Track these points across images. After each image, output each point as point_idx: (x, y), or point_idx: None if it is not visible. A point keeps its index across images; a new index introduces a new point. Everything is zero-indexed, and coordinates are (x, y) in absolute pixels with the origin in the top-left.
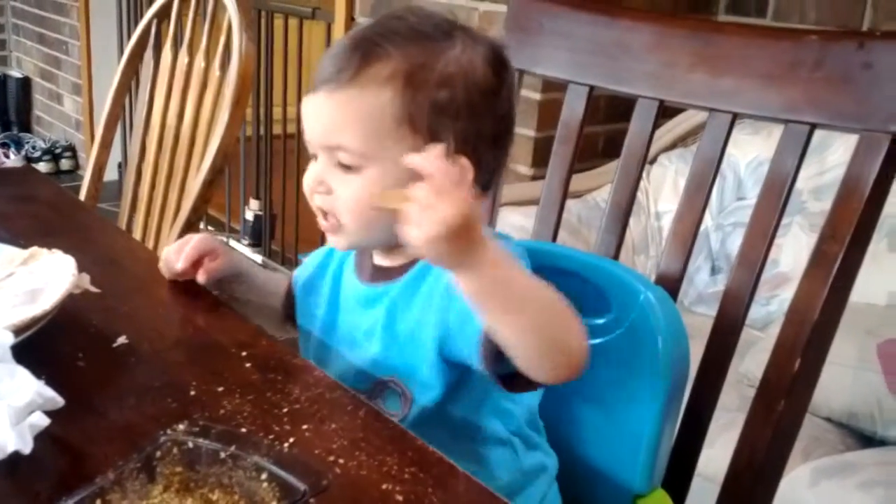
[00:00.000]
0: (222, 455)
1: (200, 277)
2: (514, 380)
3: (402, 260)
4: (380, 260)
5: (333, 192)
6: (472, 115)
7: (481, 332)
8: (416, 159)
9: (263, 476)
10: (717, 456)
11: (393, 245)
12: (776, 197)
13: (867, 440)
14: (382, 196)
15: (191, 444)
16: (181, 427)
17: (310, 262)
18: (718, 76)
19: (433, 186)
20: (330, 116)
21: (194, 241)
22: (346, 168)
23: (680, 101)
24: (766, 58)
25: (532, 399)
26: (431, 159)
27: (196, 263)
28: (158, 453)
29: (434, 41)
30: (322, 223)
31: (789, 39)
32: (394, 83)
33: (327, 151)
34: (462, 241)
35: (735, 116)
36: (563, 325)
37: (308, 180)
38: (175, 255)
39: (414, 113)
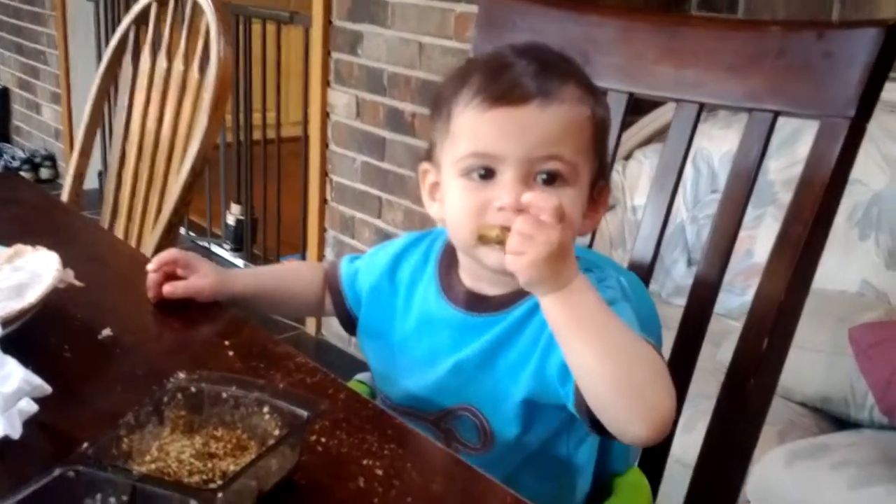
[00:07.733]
0: (224, 395)
1: (167, 288)
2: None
3: (502, 290)
4: (476, 286)
5: None
6: (608, 136)
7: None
8: (527, 196)
9: (265, 409)
10: (695, 442)
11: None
12: (743, 183)
13: (841, 423)
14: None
15: (193, 389)
16: (182, 375)
17: (370, 263)
18: (684, 68)
19: (533, 220)
20: (546, 128)
21: (177, 252)
22: (551, 182)
23: (648, 92)
24: (730, 49)
25: None
26: (533, 195)
27: (170, 275)
28: (165, 398)
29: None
30: (494, 256)
31: (752, 31)
32: (587, 102)
33: (530, 165)
34: (558, 265)
35: (702, 106)
36: (644, 372)
37: (510, 199)
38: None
39: (600, 131)
